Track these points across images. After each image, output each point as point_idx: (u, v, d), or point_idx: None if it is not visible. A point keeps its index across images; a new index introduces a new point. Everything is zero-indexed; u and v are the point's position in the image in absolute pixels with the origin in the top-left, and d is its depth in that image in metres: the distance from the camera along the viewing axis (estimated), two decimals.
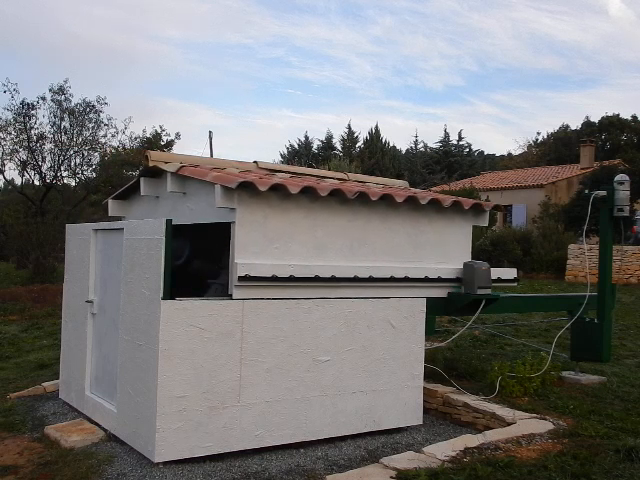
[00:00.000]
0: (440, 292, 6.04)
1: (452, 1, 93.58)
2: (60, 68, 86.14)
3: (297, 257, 5.10)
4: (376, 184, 7.06)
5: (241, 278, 4.71)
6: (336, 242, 5.34)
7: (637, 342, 9.48)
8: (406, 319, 5.53)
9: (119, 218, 6.56)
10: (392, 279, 5.58)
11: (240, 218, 4.80)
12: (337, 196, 5.25)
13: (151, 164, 5.58)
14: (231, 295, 4.79)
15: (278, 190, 4.90)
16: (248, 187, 4.74)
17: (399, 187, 7.23)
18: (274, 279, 4.88)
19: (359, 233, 5.48)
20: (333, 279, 5.21)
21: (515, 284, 6.72)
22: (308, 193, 5.07)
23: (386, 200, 5.53)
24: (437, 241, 6.02)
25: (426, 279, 5.82)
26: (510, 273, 6.59)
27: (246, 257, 4.81)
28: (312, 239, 5.20)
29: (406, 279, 5.67)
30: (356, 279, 5.35)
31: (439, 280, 5.93)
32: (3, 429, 5.34)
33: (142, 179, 5.96)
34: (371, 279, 5.45)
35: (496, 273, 6.37)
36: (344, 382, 5.19)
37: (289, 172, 6.48)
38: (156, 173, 5.84)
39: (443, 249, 6.06)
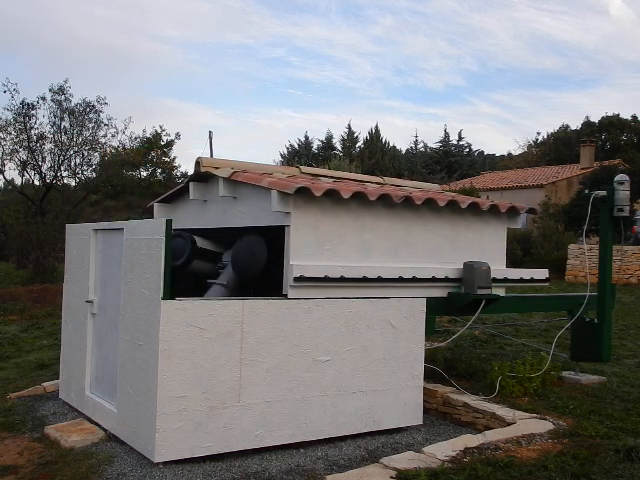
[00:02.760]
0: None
1: (453, 1, 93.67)
2: (60, 68, 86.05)
3: (346, 259, 5.36)
4: (413, 188, 7.29)
5: (296, 279, 4.95)
6: (382, 244, 5.60)
7: (637, 342, 9.47)
8: (406, 319, 5.53)
9: None
10: (433, 279, 5.87)
11: (295, 222, 5.04)
12: (383, 200, 5.49)
13: (203, 170, 5.79)
14: (286, 295, 5.01)
15: (330, 195, 5.14)
16: (303, 192, 4.94)
17: (433, 190, 7.49)
18: (326, 279, 5.12)
19: (403, 235, 5.75)
20: (379, 279, 5.46)
21: (547, 284, 7.00)
22: (357, 198, 5.30)
23: (429, 204, 5.80)
24: (474, 243, 6.29)
25: (463, 279, 6.07)
26: (542, 273, 6.87)
27: (300, 259, 5.06)
28: (360, 241, 5.46)
29: (446, 279, 5.96)
30: (400, 279, 5.61)
31: None
32: (3, 429, 5.34)
33: (191, 184, 6.12)
34: (414, 279, 5.71)
35: (529, 273, 6.71)
36: (344, 382, 5.19)
37: (331, 177, 6.70)
38: (204, 178, 6.02)
39: (480, 250, 6.32)
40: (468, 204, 6.05)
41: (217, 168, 5.77)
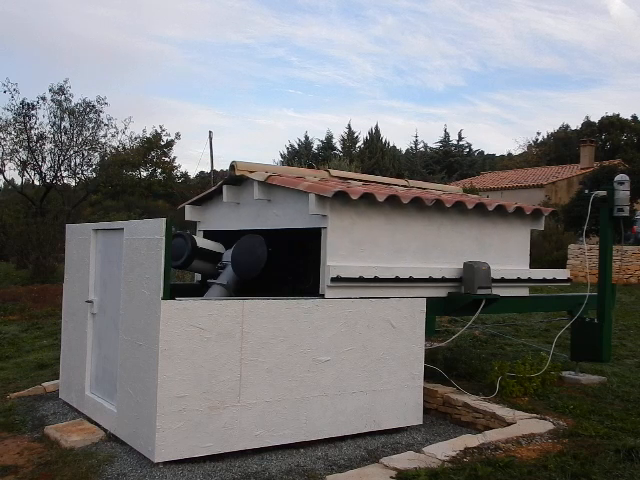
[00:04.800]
0: (504, 292, 6.42)
1: (453, 1, 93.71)
2: (60, 68, 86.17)
3: (379, 260, 5.57)
4: (436, 190, 7.50)
5: (333, 279, 5.16)
6: (412, 245, 5.84)
7: (637, 342, 9.47)
8: (406, 319, 5.53)
9: (194, 223, 7.03)
10: (461, 279, 6.07)
11: (331, 224, 5.24)
12: (415, 203, 5.71)
13: (238, 173, 5.95)
14: (323, 295, 5.19)
15: (365, 198, 5.32)
16: (340, 196, 5.15)
17: (456, 193, 7.73)
18: (361, 280, 5.32)
19: (432, 237, 5.99)
20: (411, 279, 5.70)
21: (568, 284, 7.16)
22: (390, 201, 5.50)
23: (457, 206, 6.03)
24: (500, 244, 6.48)
25: (491, 280, 6.19)
26: (563, 274, 7.07)
27: (336, 260, 5.27)
28: (392, 243, 5.68)
29: None
30: (430, 279, 5.85)
31: (501, 281, 6.38)
32: (3, 429, 5.33)
33: (225, 187, 6.26)
34: (443, 279, 5.95)
35: (551, 274, 6.92)
36: (344, 382, 5.19)
37: (359, 179, 6.85)
38: (238, 181, 6.17)
39: (505, 251, 6.53)
40: (495, 206, 6.28)
41: (251, 172, 5.93)
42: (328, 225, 5.22)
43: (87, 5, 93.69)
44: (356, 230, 5.40)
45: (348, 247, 5.35)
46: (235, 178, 6.10)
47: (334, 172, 6.78)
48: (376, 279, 5.42)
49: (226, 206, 6.47)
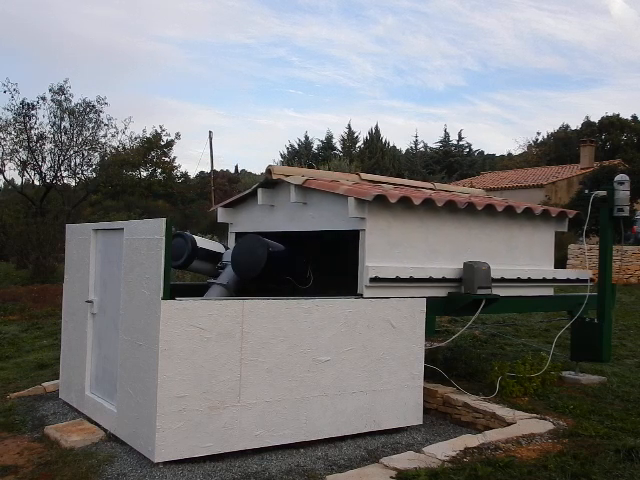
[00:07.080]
0: (531, 292, 6.69)
1: (454, 1, 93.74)
2: (60, 68, 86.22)
3: (414, 260, 5.79)
4: (460, 193, 7.68)
5: (371, 279, 5.35)
6: (444, 247, 6.04)
7: (637, 342, 9.47)
8: (406, 319, 5.53)
9: (226, 225, 7.17)
10: (492, 279, 6.15)
11: (370, 226, 5.43)
12: (447, 206, 5.90)
13: (274, 177, 6.11)
14: (361, 294, 5.38)
15: (401, 202, 5.52)
16: (378, 199, 5.33)
17: (482, 195, 7.88)
18: (397, 280, 5.52)
19: (463, 239, 6.19)
20: (443, 280, 5.91)
21: (592, 284, 7.23)
22: (425, 204, 5.71)
23: (487, 209, 6.23)
24: (526, 245, 6.66)
25: (518, 280, 6.50)
26: (586, 274, 7.22)
27: (374, 261, 5.45)
28: (425, 245, 5.90)
29: (502, 280, 6.31)
30: (461, 280, 6.02)
31: (529, 281, 6.59)
32: (3, 429, 5.33)
33: (260, 190, 6.42)
34: None
35: (575, 274, 7.16)
36: (344, 382, 5.19)
37: (389, 183, 7.00)
38: (272, 184, 6.34)
39: (531, 252, 6.71)
40: (523, 209, 6.44)
41: (287, 176, 6.08)
42: (366, 227, 5.39)
43: (87, 5, 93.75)
44: (392, 232, 5.59)
45: (385, 248, 5.53)
46: (270, 181, 6.25)
47: (364, 176, 6.94)
48: (411, 279, 5.60)
49: (259, 209, 6.60)
